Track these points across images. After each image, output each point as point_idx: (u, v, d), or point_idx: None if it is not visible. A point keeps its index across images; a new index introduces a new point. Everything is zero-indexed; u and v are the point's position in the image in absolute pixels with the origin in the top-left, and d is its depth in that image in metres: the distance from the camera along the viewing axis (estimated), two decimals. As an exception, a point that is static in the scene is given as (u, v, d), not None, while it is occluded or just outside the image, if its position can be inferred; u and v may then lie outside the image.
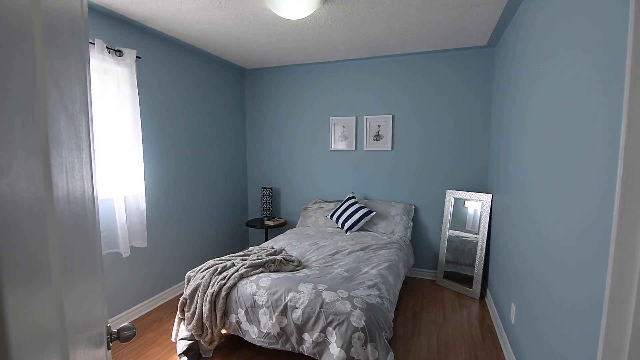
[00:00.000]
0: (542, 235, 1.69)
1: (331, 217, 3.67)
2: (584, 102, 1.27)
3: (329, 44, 3.23)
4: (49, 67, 0.54)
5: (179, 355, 2.24)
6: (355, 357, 1.82)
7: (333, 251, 2.85)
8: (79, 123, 0.70)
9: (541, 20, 1.84)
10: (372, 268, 2.50)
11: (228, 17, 2.61)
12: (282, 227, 4.11)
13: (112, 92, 2.57)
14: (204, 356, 2.30)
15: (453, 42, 3.18)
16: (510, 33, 2.60)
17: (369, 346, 1.82)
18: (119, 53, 2.58)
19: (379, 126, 3.77)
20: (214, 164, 3.82)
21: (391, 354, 1.84)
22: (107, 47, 2.48)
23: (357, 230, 3.52)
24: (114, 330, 0.90)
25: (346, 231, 3.51)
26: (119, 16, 2.60)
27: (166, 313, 2.93)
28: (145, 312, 2.95)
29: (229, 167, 4.11)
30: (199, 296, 2.20)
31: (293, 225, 4.14)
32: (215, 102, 3.81)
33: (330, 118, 3.95)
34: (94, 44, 2.38)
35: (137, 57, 2.71)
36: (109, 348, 0.90)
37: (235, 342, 2.47)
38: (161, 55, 3.07)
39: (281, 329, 2.02)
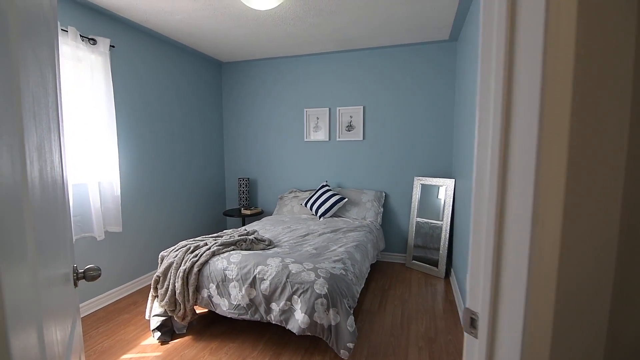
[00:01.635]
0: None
1: (306, 204, 3.80)
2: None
3: (300, 36, 3.36)
4: (21, 53, 0.56)
5: (152, 330, 2.31)
6: (318, 322, 1.96)
7: (304, 233, 2.98)
8: (50, 108, 0.78)
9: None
10: (340, 247, 2.64)
11: (200, 8, 2.71)
12: (259, 215, 4.22)
13: (86, 80, 2.63)
14: (177, 332, 2.39)
15: (419, 36, 3.37)
16: (467, 27, 2.80)
17: (331, 311, 1.95)
18: (93, 41, 2.64)
19: (351, 117, 3.93)
20: (190, 154, 3.90)
21: (351, 317, 1.98)
22: (80, 35, 2.54)
23: (331, 216, 3.66)
24: (81, 270, 1.01)
25: (320, 217, 3.64)
26: (93, 5, 2.66)
27: (142, 297, 2.99)
28: (121, 297, 3.00)
29: (206, 158, 4.19)
30: (172, 273, 2.29)
31: (270, 214, 4.25)
32: (191, 94, 3.89)
33: (305, 109, 4.09)
34: (67, 31, 2.44)
35: (111, 45, 2.78)
36: (75, 285, 1.00)
37: (208, 321, 2.57)
38: (136, 45, 3.13)
39: (250, 300, 2.13)
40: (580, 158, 0.61)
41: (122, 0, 2.59)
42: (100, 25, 2.78)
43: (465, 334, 0.72)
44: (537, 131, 0.57)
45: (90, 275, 1.01)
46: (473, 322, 0.69)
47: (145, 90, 3.26)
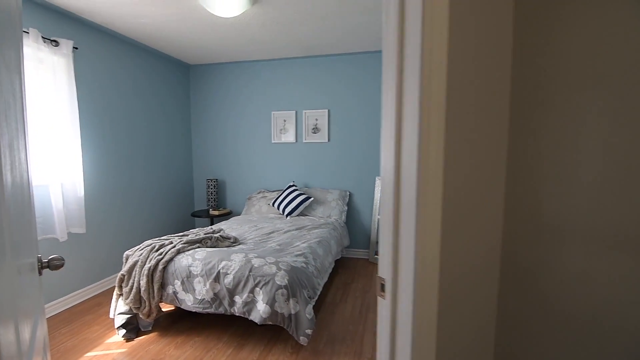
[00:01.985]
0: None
1: (273, 204, 3.92)
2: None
3: (266, 42, 3.49)
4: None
5: (117, 328, 2.36)
6: (279, 311, 2.09)
7: (270, 231, 3.10)
8: (16, 110, 0.87)
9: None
10: (303, 243, 2.79)
11: (165, 13, 2.78)
12: (227, 216, 4.29)
13: (48, 82, 2.63)
14: (143, 330, 2.44)
15: (379, 43, 3.59)
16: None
17: (291, 301, 2.09)
18: (55, 43, 2.65)
19: (317, 120, 4.10)
20: (157, 156, 3.92)
21: (310, 306, 2.13)
22: (42, 37, 2.54)
23: (297, 215, 3.80)
24: (45, 260, 1.09)
25: (286, 216, 3.78)
26: (55, 7, 2.67)
27: (106, 298, 2.99)
28: (85, 299, 2.99)
29: (174, 159, 4.21)
30: (137, 271, 2.34)
31: (238, 215, 4.33)
32: (158, 95, 3.91)
33: (272, 112, 4.22)
34: (28, 33, 2.45)
35: (74, 47, 2.79)
36: (40, 274, 1.08)
37: (174, 318, 2.64)
38: (101, 47, 3.14)
39: (214, 294, 2.23)
40: (454, 153, 0.79)
41: (84, 2, 2.62)
42: (63, 26, 2.79)
43: (377, 297, 0.88)
44: (418, 136, 0.74)
45: (54, 265, 1.09)
46: (382, 287, 0.86)
47: (111, 92, 3.27)
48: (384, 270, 0.85)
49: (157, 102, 3.91)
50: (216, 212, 4.09)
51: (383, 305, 0.85)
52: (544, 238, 0.83)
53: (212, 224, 4.13)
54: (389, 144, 0.80)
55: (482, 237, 0.93)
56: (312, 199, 3.82)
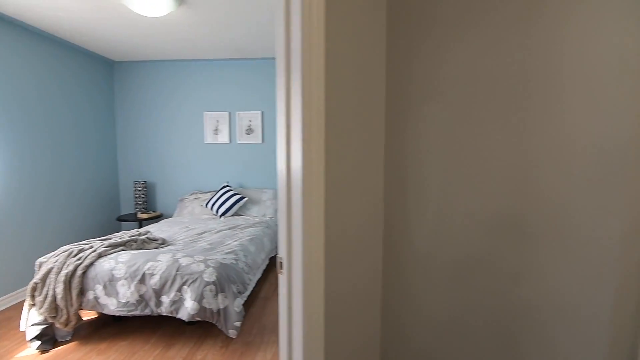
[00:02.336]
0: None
1: (207, 205, 3.90)
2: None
3: (196, 42, 3.48)
4: None
5: (29, 340, 2.21)
6: (207, 307, 2.14)
7: (202, 231, 3.11)
8: None
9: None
10: (235, 241, 2.85)
11: (84, 8, 2.66)
12: (157, 219, 4.15)
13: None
14: (60, 340, 2.31)
15: (307, 50, 3.78)
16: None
17: (219, 296, 2.16)
18: (-53, 32, 2.39)
19: (250, 121, 4.17)
20: (78, 158, 3.67)
21: (239, 300, 2.22)
22: None
23: (232, 215, 3.83)
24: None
25: (220, 216, 3.79)
26: (-54, -8, 2.41)
27: (18, 313, 2.75)
28: (-11, 314, 2.72)
29: (96, 161, 3.97)
30: (52, 279, 2.22)
31: (170, 217, 4.22)
32: (77, 93, 3.67)
33: (205, 113, 4.19)
34: None
35: (-29, 38, 2.54)
36: None
37: (97, 325, 2.53)
38: (14, 41, 2.88)
39: (140, 296, 2.20)
40: (336, 154, 0.97)
41: (-14, -10, 2.41)
42: (-43, 14, 2.52)
43: (278, 274, 1.03)
44: (301, 140, 0.89)
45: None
46: (281, 265, 1.00)
47: (22, 88, 3.00)
48: (281, 251, 0.99)
49: (79, 100, 3.66)
50: (145, 216, 3.95)
51: (282, 281, 1.00)
52: (411, 219, 1.05)
53: (140, 227, 3.97)
54: (282, 148, 0.95)
55: (363, 218, 1.12)
56: (246, 198, 3.88)
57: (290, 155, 0.93)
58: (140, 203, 4.07)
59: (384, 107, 1.11)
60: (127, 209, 4.40)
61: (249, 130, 4.18)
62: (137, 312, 2.22)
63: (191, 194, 4.16)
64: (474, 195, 0.96)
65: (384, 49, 1.08)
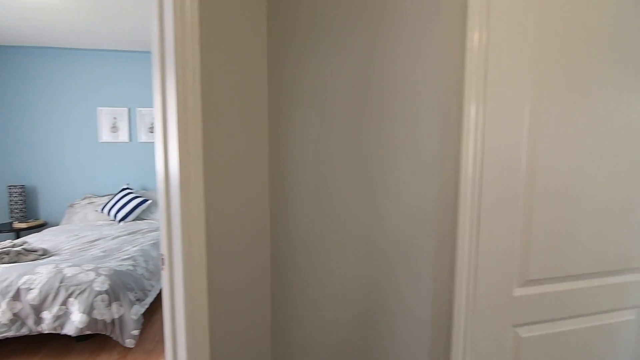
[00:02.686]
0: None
1: (103, 210, 3.56)
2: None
3: (90, 32, 3.15)
4: None
5: None
6: (99, 318, 2.00)
7: (95, 239, 2.85)
8: None
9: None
10: (134, 247, 2.68)
11: None
12: (40, 228, 3.64)
13: None
14: None
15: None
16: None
17: (113, 305, 2.02)
18: None
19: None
20: None
21: (136, 307, 2.11)
22: None
23: (133, 219, 3.57)
24: None
25: (120, 222, 3.50)
26: None
27: None
28: None
29: (-46, 163, 3.32)
30: None
31: (56, 225, 3.74)
32: None
33: (99, 108, 3.81)
34: None
35: None
36: None
37: (-42, 354, 2.15)
38: None
39: (14, 314, 1.95)
40: (217, 156, 1.02)
41: None
42: None
43: (161, 271, 1.05)
44: (177, 141, 0.93)
45: None
46: (163, 261, 1.02)
47: None
48: (163, 247, 1.01)
49: None
50: (23, 225, 3.44)
51: (164, 275, 1.02)
52: (292, 216, 1.16)
53: (18, 238, 3.44)
54: (159, 146, 0.98)
55: (250, 216, 1.20)
56: (150, 201, 3.65)
57: (167, 153, 0.96)
58: (17, 211, 3.53)
59: (267, 110, 1.21)
60: (0, 217, 3.76)
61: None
62: (11, 334, 1.95)
63: (83, 199, 3.75)
64: (340, 197, 1.11)
65: (266, 52, 1.17)
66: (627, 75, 0.93)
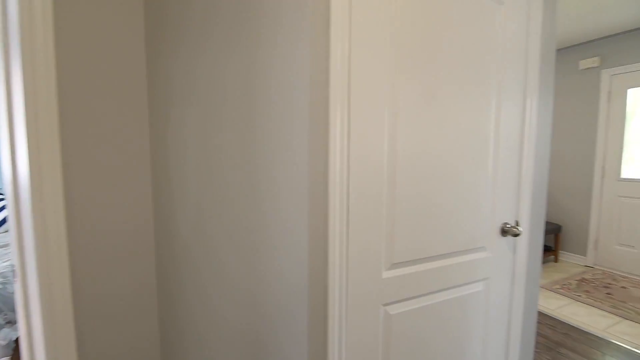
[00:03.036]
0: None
1: (-36, 220, 2.97)
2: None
3: None
4: None
5: None
6: (-49, 349, 1.67)
7: (-50, 255, 2.36)
8: None
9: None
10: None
11: None
12: None
13: None
14: None
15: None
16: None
17: (-28, 332, 1.71)
18: None
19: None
20: None
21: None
22: None
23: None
24: None
25: (-12, 234, 2.96)
26: None
27: None
28: None
29: None
30: None
31: None
32: None
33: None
34: None
35: None
36: None
37: None
38: None
39: None
40: (83, 159, 0.94)
41: None
42: None
43: (14, 282, 0.92)
44: (27, 143, 0.83)
45: None
46: (14, 273, 0.90)
47: None
48: (14, 258, 0.89)
49: None
50: None
51: (16, 290, 0.90)
52: (177, 215, 1.12)
53: None
54: (5, 148, 0.86)
55: (130, 219, 1.13)
56: (30, 208, 3.16)
57: (15, 155, 0.85)
58: None
59: (147, 107, 1.14)
60: None
61: None
62: None
63: (-63, 208, 3.08)
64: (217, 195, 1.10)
65: (144, 44, 1.11)
66: (465, 86, 1.11)
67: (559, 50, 3.69)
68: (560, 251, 3.76)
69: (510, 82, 1.21)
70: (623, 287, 2.99)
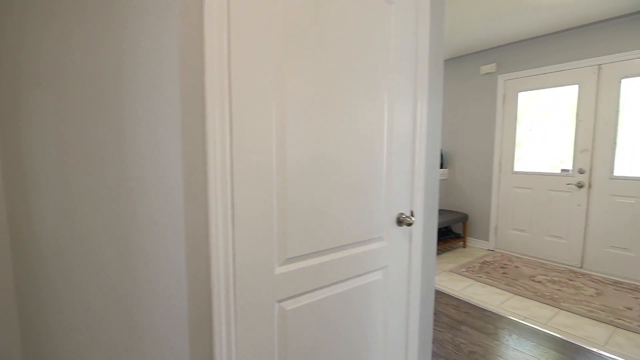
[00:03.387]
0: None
1: None
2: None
3: None
4: None
5: None
6: None
7: None
8: None
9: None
10: None
11: None
12: None
13: None
14: None
15: None
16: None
17: None
18: None
19: None
20: None
21: None
22: None
23: None
24: None
25: None
26: None
27: None
28: None
29: None
30: None
31: None
32: None
33: None
34: None
35: None
36: None
37: None
38: None
39: None
40: None
41: None
42: None
43: None
44: None
45: None
46: None
47: None
48: None
49: None
50: None
51: None
52: (35, 215, 0.97)
53: None
54: None
55: None
56: None
57: None
58: None
59: None
60: None
61: None
62: None
63: None
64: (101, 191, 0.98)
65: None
66: (358, 85, 1.14)
67: (464, 56, 4.06)
68: (468, 237, 4.17)
69: (403, 82, 1.27)
70: (516, 266, 3.41)
